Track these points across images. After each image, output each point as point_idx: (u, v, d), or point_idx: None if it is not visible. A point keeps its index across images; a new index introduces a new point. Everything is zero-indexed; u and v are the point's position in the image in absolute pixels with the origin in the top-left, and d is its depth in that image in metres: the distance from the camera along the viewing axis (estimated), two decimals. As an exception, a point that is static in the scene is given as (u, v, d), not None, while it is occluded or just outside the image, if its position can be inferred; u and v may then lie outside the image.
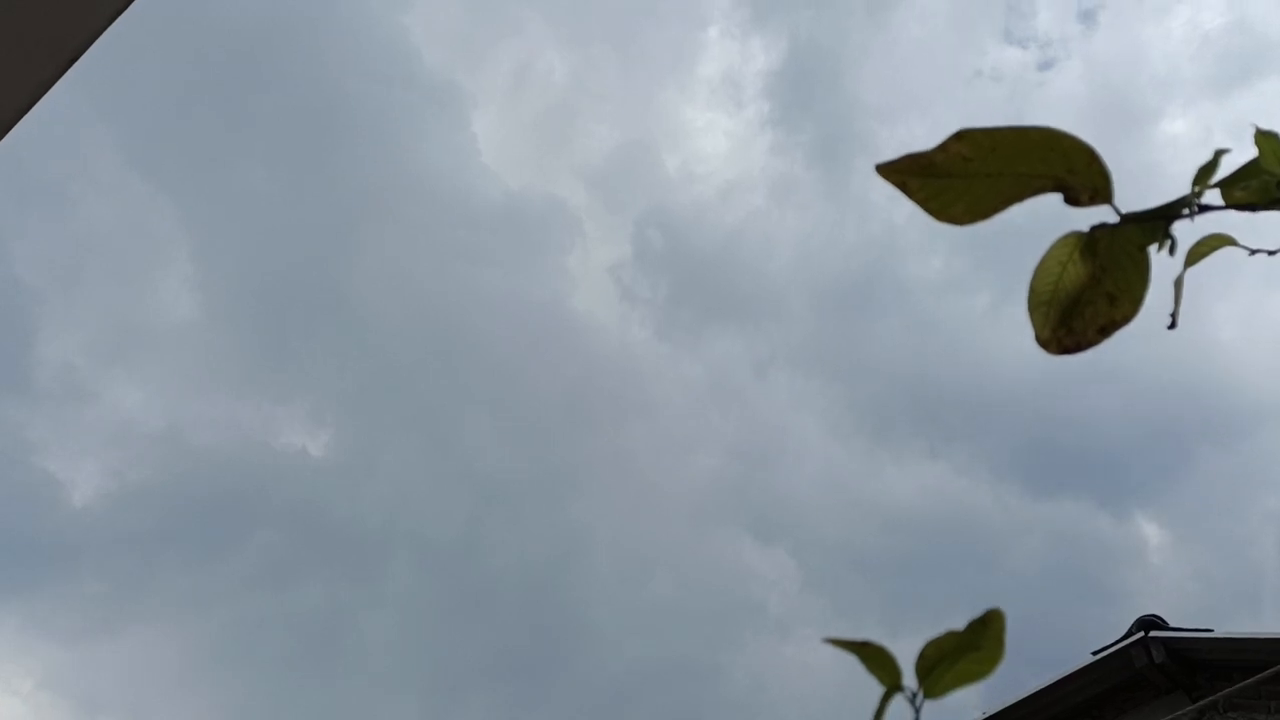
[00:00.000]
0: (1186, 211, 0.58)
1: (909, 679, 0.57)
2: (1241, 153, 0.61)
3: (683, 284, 29.09)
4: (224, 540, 27.87)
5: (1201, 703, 8.06)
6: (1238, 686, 7.66)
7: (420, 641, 28.34)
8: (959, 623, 0.56)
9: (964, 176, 0.57)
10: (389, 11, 26.59)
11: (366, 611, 28.65)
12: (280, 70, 26.39)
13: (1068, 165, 0.56)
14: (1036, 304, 0.61)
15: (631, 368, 29.00)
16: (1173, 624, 8.58)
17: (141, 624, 27.75)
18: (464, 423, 29.08)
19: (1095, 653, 8.81)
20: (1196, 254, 0.62)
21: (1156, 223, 0.58)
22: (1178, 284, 0.62)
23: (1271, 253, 0.66)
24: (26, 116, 2.18)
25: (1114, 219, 0.59)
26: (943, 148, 0.57)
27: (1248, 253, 0.64)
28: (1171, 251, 0.59)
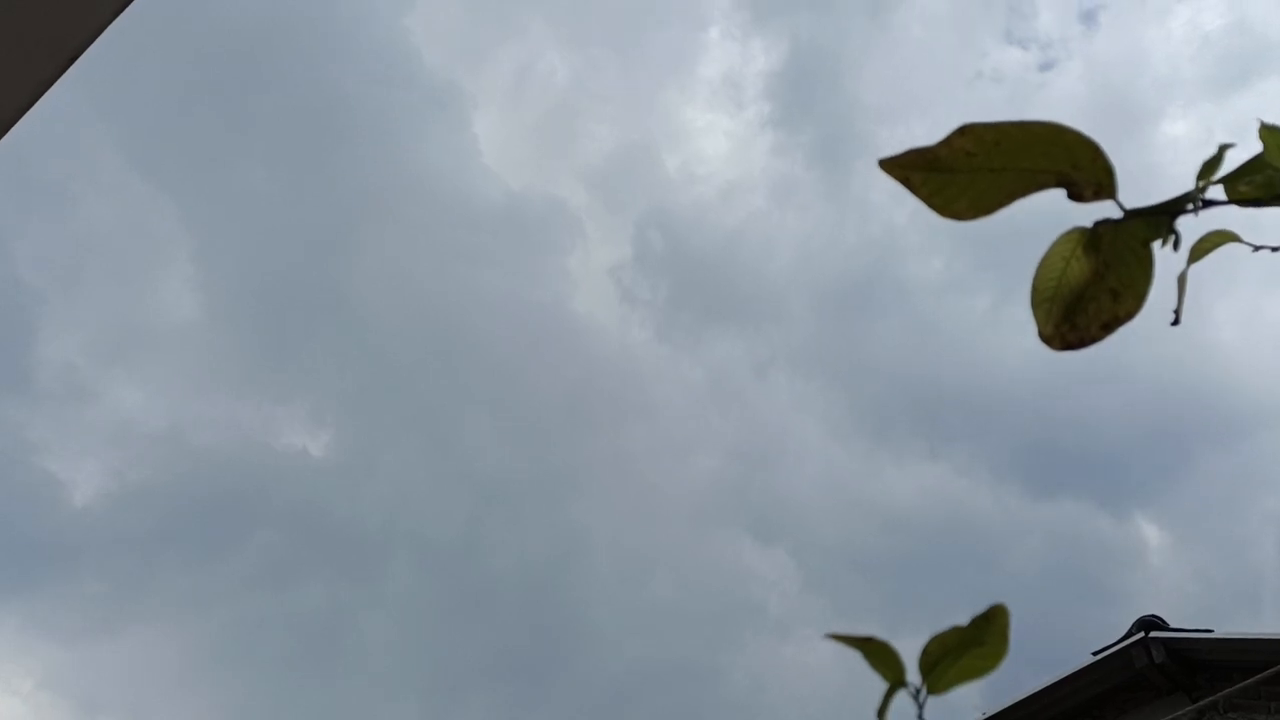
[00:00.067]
0: (1191, 207, 0.58)
1: (912, 675, 0.56)
2: (1244, 153, 0.61)
3: (683, 285, 29.12)
4: (224, 540, 27.88)
5: (1201, 703, 8.06)
6: (1238, 687, 7.65)
7: (420, 642, 28.35)
8: (960, 622, 0.56)
9: (967, 171, 0.57)
10: (390, 12, 26.63)
11: (366, 612, 28.67)
12: (281, 71, 26.41)
13: (1072, 160, 0.56)
14: (1040, 300, 0.61)
15: (632, 369, 29.02)
16: (1173, 624, 8.58)
17: (142, 624, 27.77)
18: (464, 423, 29.11)
19: (1095, 653, 8.81)
20: (1200, 250, 0.62)
21: (1160, 218, 0.58)
22: (1181, 280, 0.62)
23: (1275, 249, 0.66)
24: (27, 116, 2.18)
25: (1117, 215, 0.58)
26: (946, 143, 0.57)
27: (1251, 249, 0.64)
28: (1176, 247, 0.59)
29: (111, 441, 27.28)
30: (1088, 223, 0.60)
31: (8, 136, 2.21)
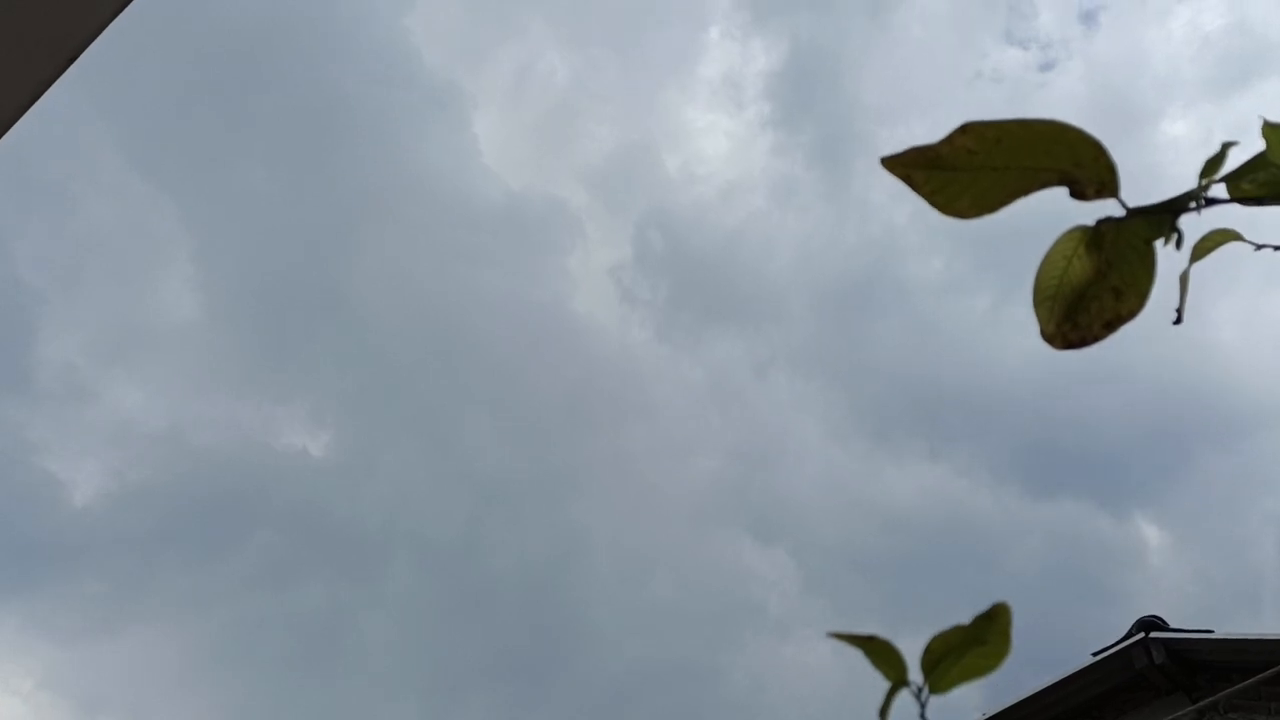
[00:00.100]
0: (1193, 205, 0.58)
1: (914, 674, 0.56)
2: (1246, 152, 0.61)
3: (683, 285, 29.12)
4: (224, 540, 27.88)
5: (1201, 704, 8.05)
6: (1238, 687, 7.65)
7: (420, 642, 28.35)
8: (962, 621, 0.56)
9: (969, 170, 0.57)
10: (390, 12, 26.62)
11: (366, 612, 28.67)
12: (281, 71, 26.41)
13: (1074, 158, 0.56)
14: (1041, 299, 0.60)
15: (631, 369, 29.02)
16: (1173, 625, 8.57)
17: (142, 624, 27.76)
18: (464, 423, 29.10)
19: (1095, 654, 8.80)
20: (1202, 249, 0.62)
21: (1163, 216, 0.57)
22: (1183, 279, 0.62)
23: (1277, 248, 0.66)
24: (27, 115, 2.18)
25: (1120, 213, 0.58)
26: (948, 141, 0.57)
27: (1253, 248, 0.64)
28: (1178, 245, 0.59)
29: (111, 441, 27.31)
30: (1089, 221, 0.60)
31: (8, 136, 2.21)
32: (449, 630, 28.15)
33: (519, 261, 28.52)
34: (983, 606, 0.55)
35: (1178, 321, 0.62)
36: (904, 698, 0.57)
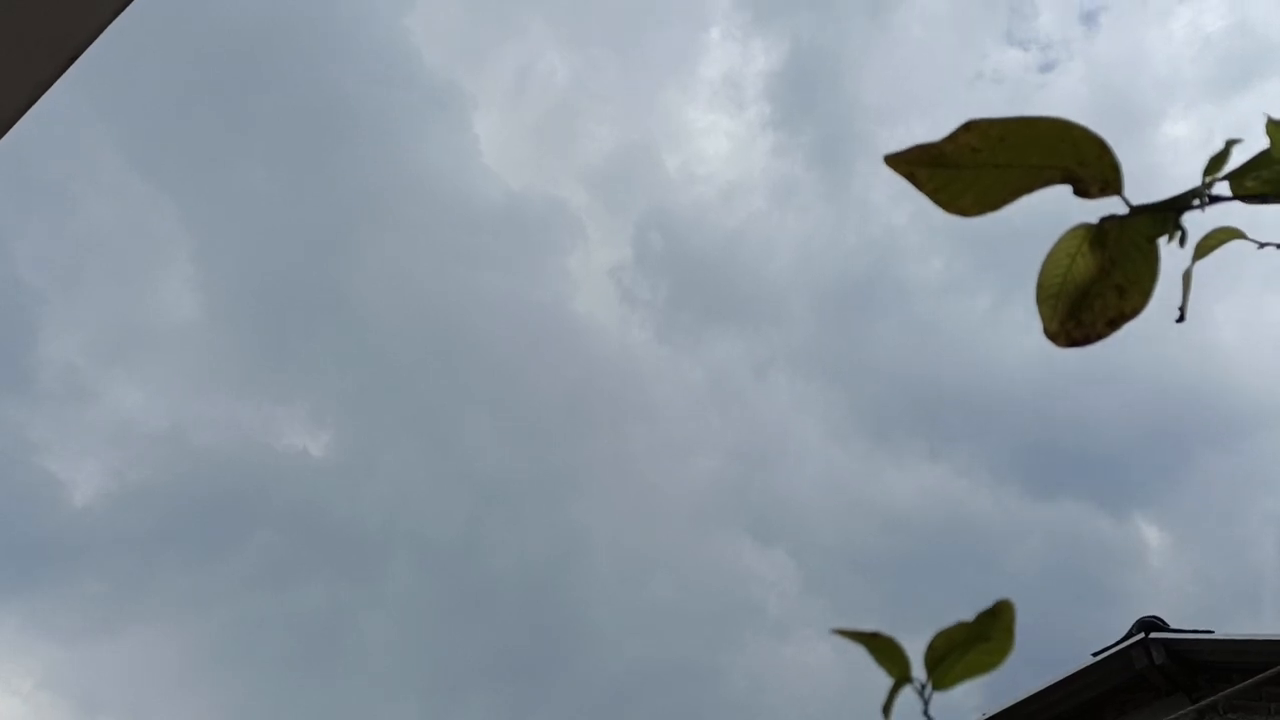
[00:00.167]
0: (1197, 202, 0.58)
1: (917, 673, 0.56)
2: (1248, 151, 0.61)
3: (683, 286, 29.12)
4: (224, 540, 27.87)
5: (1202, 704, 8.05)
6: (1238, 688, 7.65)
7: (420, 642, 28.34)
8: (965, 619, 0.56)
9: (973, 167, 0.57)
10: (390, 12, 26.62)
11: (366, 612, 28.67)
12: (281, 71, 26.41)
13: (1078, 156, 0.56)
14: (1045, 296, 0.60)
15: (632, 369, 29.02)
16: (1173, 625, 8.57)
17: (142, 624, 27.76)
18: (464, 424, 29.11)
19: (1096, 654, 8.80)
20: (1205, 247, 0.62)
21: (1167, 214, 0.57)
22: (1186, 277, 0.62)
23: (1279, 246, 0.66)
24: (27, 116, 2.18)
25: (1123, 211, 0.58)
26: (952, 138, 0.56)
27: (1256, 245, 0.64)
28: (1182, 243, 0.59)
29: (112, 441, 27.31)
30: (1091, 220, 0.60)
31: (8, 136, 2.21)
32: (449, 630, 28.17)
33: (519, 262, 28.55)
34: (983, 606, 0.55)
35: (1180, 319, 0.62)
36: (907, 695, 0.57)
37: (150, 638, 27.72)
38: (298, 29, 25.83)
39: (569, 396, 29.07)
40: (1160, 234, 0.58)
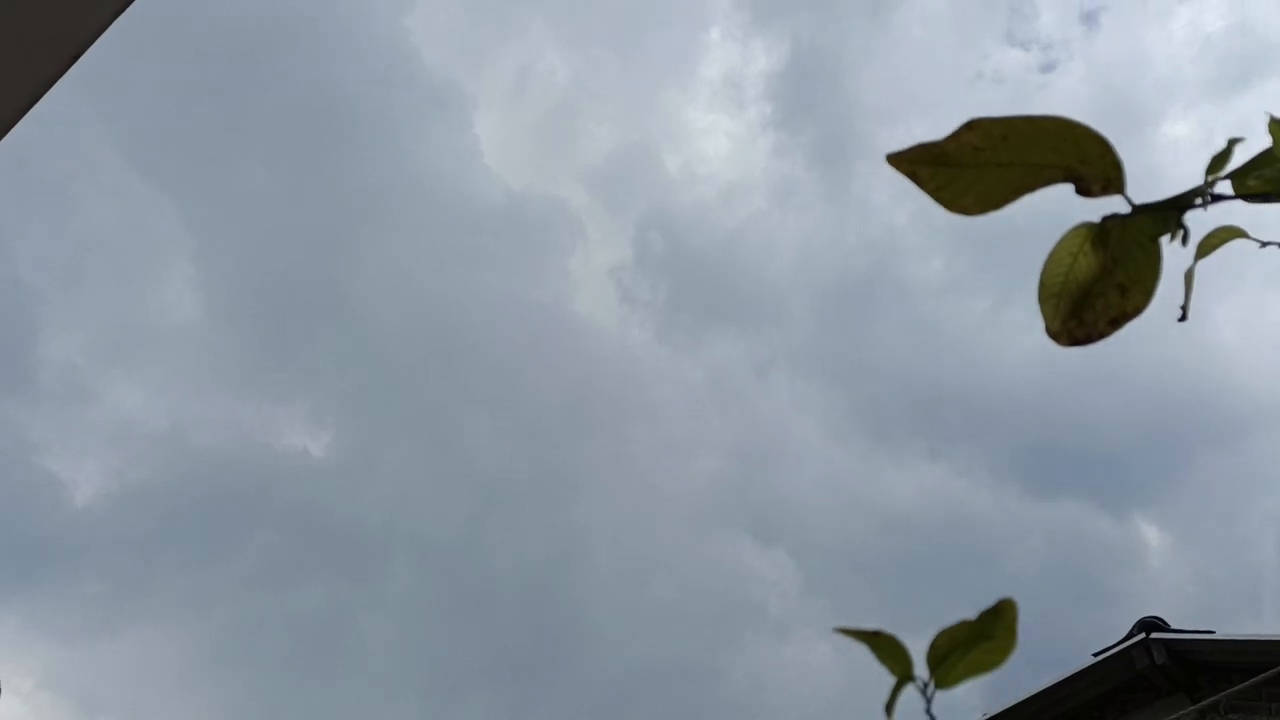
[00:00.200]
0: (1199, 201, 0.58)
1: (919, 671, 0.56)
2: (1251, 150, 0.61)
3: (683, 286, 29.12)
4: (225, 540, 27.88)
5: (1202, 704, 8.05)
6: (1238, 688, 7.65)
7: (420, 642, 28.35)
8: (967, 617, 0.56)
9: (975, 166, 0.57)
10: (390, 12, 26.62)
11: (367, 612, 28.67)
12: (281, 71, 26.41)
13: (1080, 155, 0.56)
14: (1047, 295, 0.60)
15: (632, 369, 29.02)
16: (1174, 625, 8.57)
17: (142, 624, 27.76)
18: (465, 424, 29.11)
19: (1096, 654, 8.80)
20: (1208, 245, 0.62)
21: (1169, 213, 0.57)
22: (1189, 276, 0.62)
23: (1281, 245, 0.66)
24: (28, 116, 2.18)
25: (1125, 210, 0.58)
26: (954, 137, 0.56)
27: (1258, 245, 0.64)
28: (1184, 242, 0.58)
29: (112, 441, 27.32)
30: (1093, 219, 0.60)
31: (9, 136, 2.21)
32: (449, 630, 28.18)
33: (519, 262, 28.55)
34: (983, 606, 0.55)
35: (1183, 318, 0.62)
36: (908, 694, 0.57)
37: (150, 638, 27.75)
38: (298, 29, 25.86)
39: (569, 397, 29.10)
40: (1163, 233, 0.58)
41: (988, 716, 9.26)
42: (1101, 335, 0.61)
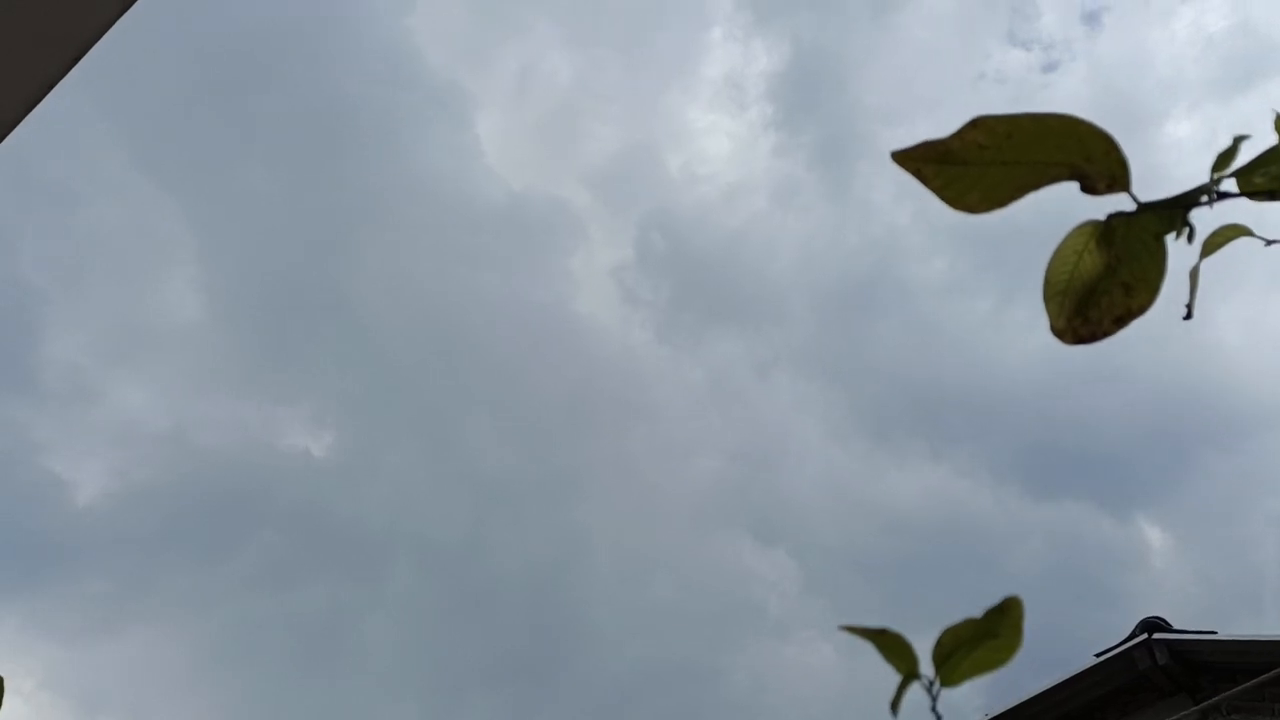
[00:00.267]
0: (1205, 199, 0.58)
1: (923, 668, 0.56)
2: (1255, 149, 0.61)
3: (685, 286, 29.13)
4: (226, 540, 27.90)
5: (1205, 705, 8.04)
6: (1241, 688, 7.64)
7: (422, 642, 28.35)
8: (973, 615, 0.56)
9: (980, 164, 0.57)
10: (392, 13, 26.64)
11: (368, 612, 28.69)
12: (284, 71, 26.43)
13: (1085, 153, 0.56)
14: (1052, 294, 0.60)
15: (633, 370, 29.03)
16: (1176, 626, 8.56)
17: (143, 624, 27.78)
18: (466, 424, 29.13)
19: (1098, 655, 8.80)
20: (1213, 244, 0.62)
21: (1174, 211, 0.57)
22: (1193, 274, 0.62)
23: (1287, 243, 0.65)
24: (31, 115, 2.18)
25: (1130, 208, 0.58)
26: (959, 135, 0.56)
27: (1264, 243, 0.63)
28: (1190, 240, 0.58)
29: (115, 441, 27.34)
30: (1098, 217, 0.60)
31: (11, 136, 2.21)
32: (451, 631, 28.19)
33: (521, 262, 28.56)
34: (985, 606, 0.55)
35: (1188, 317, 0.62)
36: (911, 694, 0.56)
37: (152, 638, 27.76)
38: (300, 29, 25.87)
39: (570, 397, 29.11)
40: (1168, 231, 0.58)
41: (990, 717, 9.26)
42: (1106, 334, 0.61)
